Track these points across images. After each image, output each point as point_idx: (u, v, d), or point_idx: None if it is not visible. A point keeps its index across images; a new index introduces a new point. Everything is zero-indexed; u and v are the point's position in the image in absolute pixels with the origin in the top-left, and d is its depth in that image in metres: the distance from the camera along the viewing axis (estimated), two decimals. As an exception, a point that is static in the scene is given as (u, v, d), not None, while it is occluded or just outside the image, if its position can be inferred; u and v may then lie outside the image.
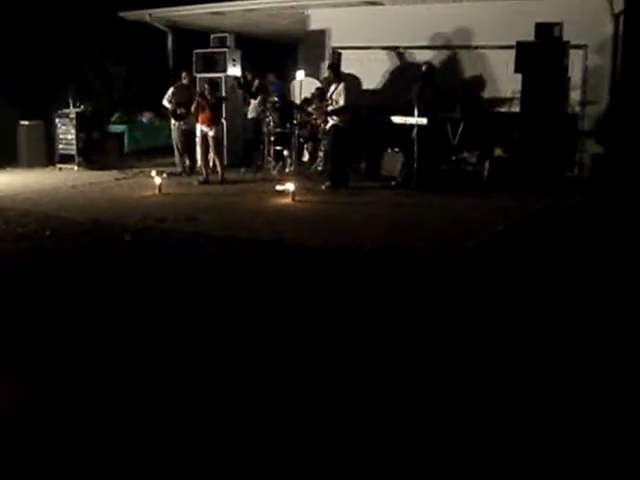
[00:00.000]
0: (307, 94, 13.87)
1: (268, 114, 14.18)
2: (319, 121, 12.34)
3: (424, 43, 14.18)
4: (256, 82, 14.99)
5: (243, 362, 4.82)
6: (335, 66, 12.76)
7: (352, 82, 13.59)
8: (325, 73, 13.69)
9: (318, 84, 13.98)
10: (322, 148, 13.64)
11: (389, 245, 8.14)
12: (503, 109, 13.64)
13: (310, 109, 13.49)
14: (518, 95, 12.79)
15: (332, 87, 12.13)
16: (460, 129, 12.61)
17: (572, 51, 12.29)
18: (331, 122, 12.11)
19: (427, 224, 9.54)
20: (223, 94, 14.54)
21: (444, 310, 5.83)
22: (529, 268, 7.15)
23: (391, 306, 5.98)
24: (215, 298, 6.28)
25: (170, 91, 14.37)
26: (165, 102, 14.50)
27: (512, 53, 12.40)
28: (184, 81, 14.40)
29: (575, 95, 13.11)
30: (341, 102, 11.95)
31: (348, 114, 12.09)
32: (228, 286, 6.66)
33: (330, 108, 12.04)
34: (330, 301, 6.15)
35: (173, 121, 14.48)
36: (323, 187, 12.05)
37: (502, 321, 5.61)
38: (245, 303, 6.12)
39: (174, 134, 14.54)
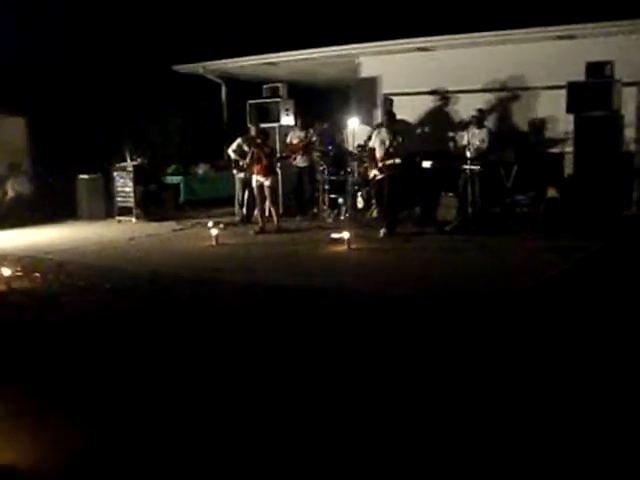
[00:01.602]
0: (360, 141, 13.98)
1: (322, 162, 14.33)
2: (375, 172, 12.30)
3: (474, 87, 14.18)
4: (310, 133, 15.05)
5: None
6: (391, 114, 12.79)
7: (403, 129, 13.64)
8: (377, 120, 13.80)
9: (369, 131, 14.06)
10: (365, 195, 13.77)
11: (447, 292, 8.13)
12: (556, 150, 13.56)
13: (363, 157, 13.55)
14: (571, 135, 12.74)
15: (387, 136, 12.12)
16: (513, 171, 12.56)
17: (625, 89, 12.22)
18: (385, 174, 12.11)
19: (483, 269, 9.51)
20: (277, 144, 14.72)
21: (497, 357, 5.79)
22: (586, 311, 7.06)
23: (449, 353, 5.96)
24: (279, 348, 6.30)
25: (236, 142, 14.56)
26: (230, 152, 14.69)
27: (564, 93, 12.37)
28: (252, 133, 14.42)
29: (629, 133, 12.96)
30: (398, 160, 11.96)
31: (403, 162, 12.11)
32: (289, 335, 6.68)
33: (389, 161, 12.01)
34: (398, 348, 6.15)
35: (235, 171, 14.69)
36: (380, 234, 12.06)
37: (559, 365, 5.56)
38: (308, 352, 6.14)
39: (237, 184, 14.77)
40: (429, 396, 5.08)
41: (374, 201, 13.66)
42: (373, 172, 12.33)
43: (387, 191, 12.13)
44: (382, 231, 12.09)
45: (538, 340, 6.22)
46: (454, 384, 5.29)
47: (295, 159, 14.93)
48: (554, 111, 13.20)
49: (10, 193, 15.75)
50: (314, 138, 14.87)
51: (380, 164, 12.14)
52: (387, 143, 12.08)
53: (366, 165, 13.12)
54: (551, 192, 12.68)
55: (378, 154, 12.21)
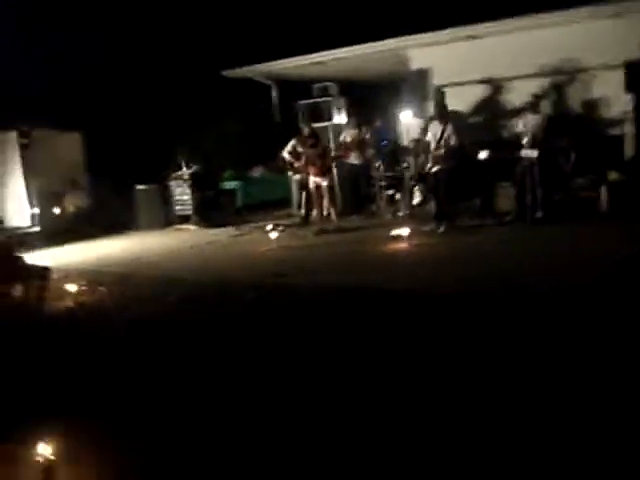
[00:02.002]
0: (414, 135, 13.88)
1: (377, 159, 14.27)
2: (430, 164, 12.19)
3: (527, 72, 13.94)
4: (363, 130, 14.98)
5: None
6: (442, 105, 12.66)
7: (456, 119, 13.50)
8: (430, 112, 13.66)
9: (423, 123, 13.95)
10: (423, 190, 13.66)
11: (512, 286, 8.00)
12: (615, 131, 13.28)
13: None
14: (630, 115, 12.48)
15: (439, 127, 12.04)
16: (572, 156, 12.34)
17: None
18: (440, 166, 12.02)
19: (543, 260, 9.27)
20: (331, 143, 14.70)
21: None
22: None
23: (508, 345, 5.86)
24: (348, 352, 6.25)
25: (290, 144, 14.58)
26: (285, 154, 14.72)
27: (621, 73, 12.14)
28: (305, 133, 14.35)
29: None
30: (452, 143, 11.88)
31: (458, 153, 12.01)
32: (359, 339, 6.63)
33: (442, 151, 11.92)
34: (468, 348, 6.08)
35: (290, 173, 14.71)
36: (441, 229, 11.96)
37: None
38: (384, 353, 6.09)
39: (294, 186, 14.79)
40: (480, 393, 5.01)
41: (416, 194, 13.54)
42: (428, 165, 12.22)
43: (443, 183, 12.02)
44: (442, 226, 11.99)
45: (600, 337, 6.05)
46: (512, 382, 5.20)
47: (350, 157, 14.88)
48: (611, 92, 12.93)
49: (69, 208, 15.99)
50: (367, 135, 14.81)
51: (434, 156, 12.04)
52: (439, 134, 11.98)
53: (421, 159, 13.00)
54: (613, 175, 12.42)
55: (432, 146, 12.11)
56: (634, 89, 12.00)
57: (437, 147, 11.99)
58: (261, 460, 4.38)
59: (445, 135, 11.91)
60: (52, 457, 4.19)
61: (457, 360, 5.80)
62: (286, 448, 4.51)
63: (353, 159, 14.93)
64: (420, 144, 13.10)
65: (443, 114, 12.34)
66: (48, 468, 4.17)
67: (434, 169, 12.08)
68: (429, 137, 12.26)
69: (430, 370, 5.62)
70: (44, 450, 4.19)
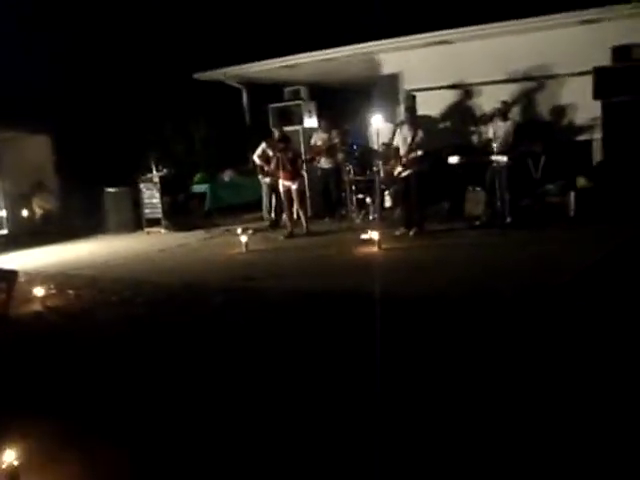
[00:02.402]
0: (384, 139, 13.88)
1: (347, 163, 14.28)
2: (399, 169, 12.20)
3: (498, 78, 14.02)
4: (333, 134, 14.98)
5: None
6: (411, 110, 12.68)
7: (427, 124, 13.55)
8: (401, 117, 13.68)
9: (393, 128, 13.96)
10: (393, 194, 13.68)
11: (482, 290, 8.01)
12: (584, 137, 13.37)
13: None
14: (599, 122, 12.58)
15: (409, 132, 12.06)
16: (542, 162, 12.42)
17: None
18: (409, 171, 12.04)
19: (513, 264, 9.32)
20: (301, 147, 14.70)
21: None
22: (618, 307, 6.89)
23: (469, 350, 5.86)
24: (317, 356, 6.23)
25: (260, 147, 14.54)
26: (255, 158, 14.68)
27: (589, 79, 12.22)
28: (275, 137, 14.20)
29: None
30: (420, 152, 11.89)
31: (428, 158, 12.04)
32: (327, 342, 6.62)
33: (412, 156, 11.94)
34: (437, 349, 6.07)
35: (261, 176, 14.69)
36: (411, 233, 11.99)
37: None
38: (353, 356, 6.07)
39: (264, 189, 14.77)
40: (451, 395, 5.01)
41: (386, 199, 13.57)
42: (398, 169, 12.23)
43: (414, 188, 12.04)
44: (412, 230, 12.01)
45: (573, 339, 6.08)
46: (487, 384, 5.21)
47: (320, 161, 14.88)
48: (580, 98, 13.01)
49: (38, 211, 15.84)
50: (337, 139, 14.81)
51: (404, 160, 12.05)
52: (409, 139, 12.00)
53: (391, 163, 12.98)
54: (581, 181, 12.52)
55: (401, 151, 12.13)
56: (603, 95, 12.07)
57: (407, 152, 12.00)
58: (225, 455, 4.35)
59: (416, 140, 11.92)
60: (15, 462, 4.13)
61: (422, 362, 5.82)
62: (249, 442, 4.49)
63: (324, 163, 14.93)
64: (390, 148, 13.09)
65: (413, 119, 12.36)
66: (12, 473, 4.11)
67: (404, 174, 12.09)
68: (398, 141, 12.27)
69: (394, 371, 5.60)
70: (8, 456, 4.13)
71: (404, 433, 4.52)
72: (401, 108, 13.55)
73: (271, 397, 5.36)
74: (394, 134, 12.53)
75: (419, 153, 11.88)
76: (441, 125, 14.94)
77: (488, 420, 4.62)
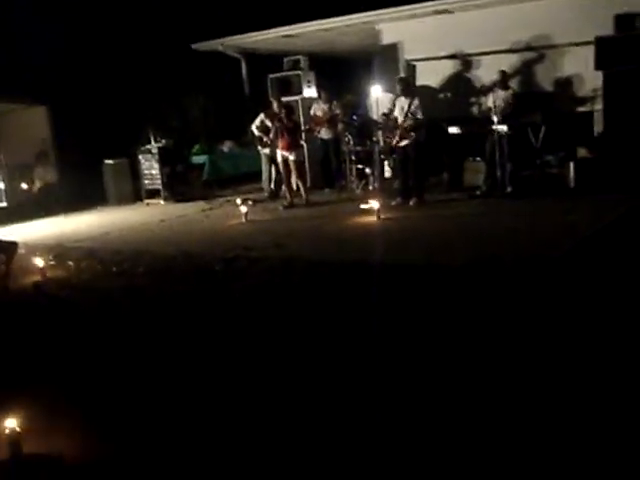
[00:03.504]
0: (384, 109, 13.83)
1: (347, 133, 14.24)
2: (397, 138, 12.16)
3: (498, 48, 13.92)
4: (334, 104, 14.91)
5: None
6: (406, 80, 12.62)
7: (427, 94, 13.49)
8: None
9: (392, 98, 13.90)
10: (392, 164, 13.62)
11: (481, 259, 8.00)
12: (585, 108, 13.30)
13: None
14: (600, 92, 12.51)
15: (406, 102, 12.02)
16: (542, 132, 12.36)
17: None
18: (407, 140, 12.01)
19: (513, 234, 9.31)
20: (301, 117, 14.64)
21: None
22: (616, 277, 6.87)
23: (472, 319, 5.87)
24: (316, 326, 6.25)
25: (259, 118, 14.48)
26: (253, 128, 14.63)
27: (591, 49, 12.14)
28: (274, 108, 14.15)
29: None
30: (419, 117, 11.88)
31: (424, 127, 12.02)
32: (325, 308, 6.63)
33: (408, 123, 11.92)
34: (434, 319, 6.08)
35: (260, 147, 14.64)
36: (411, 203, 12.00)
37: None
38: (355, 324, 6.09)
39: (263, 160, 14.73)
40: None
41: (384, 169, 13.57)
42: (396, 139, 12.20)
43: (413, 158, 12.02)
44: (412, 200, 12.01)
45: (569, 311, 6.07)
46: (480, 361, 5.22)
47: (320, 132, 14.83)
48: (581, 69, 12.93)
49: (37, 183, 15.80)
50: (338, 110, 14.75)
51: (402, 130, 12.03)
52: (406, 108, 11.97)
53: (390, 133, 12.94)
54: (581, 152, 12.48)
55: (399, 121, 12.10)
56: (605, 66, 11.98)
57: (404, 121, 11.98)
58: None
59: (412, 109, 11.89)
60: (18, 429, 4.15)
61: (419, 332, 5.83)
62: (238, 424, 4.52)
63: (324, 134, 14.89)
64: (390, 119, 13.03)
65: (409, 88, 12.32)
66: (15, 439, 4.13)
67: (402, 143, 12.07)
68: (396, 111, 12.23)
69: (391, 342, 5.62)
70: (10, 423, 4.15)
71: (400, 398, 4.55)
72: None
73: (271, 369, 5.38)
74: (394, 104, 12.49)
75: (418, 118, 11.85)
76: (441, 95, 14.86)
77: (482, 387, 4.65)
